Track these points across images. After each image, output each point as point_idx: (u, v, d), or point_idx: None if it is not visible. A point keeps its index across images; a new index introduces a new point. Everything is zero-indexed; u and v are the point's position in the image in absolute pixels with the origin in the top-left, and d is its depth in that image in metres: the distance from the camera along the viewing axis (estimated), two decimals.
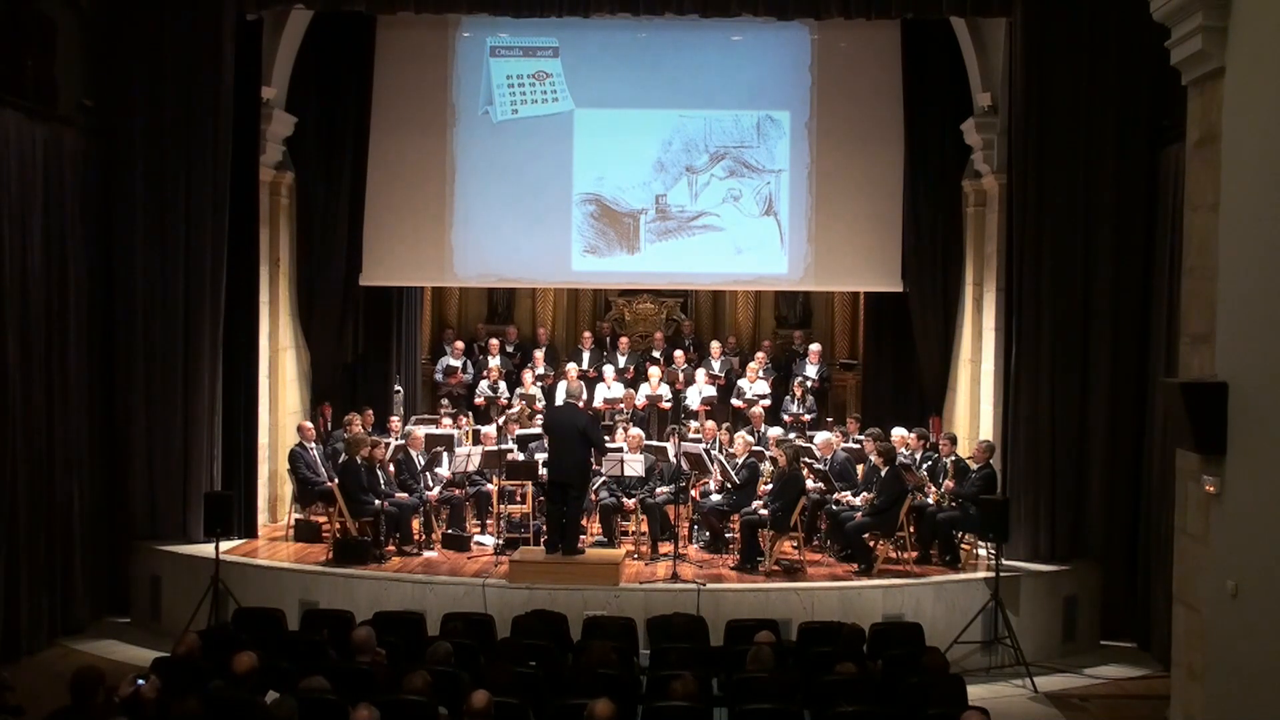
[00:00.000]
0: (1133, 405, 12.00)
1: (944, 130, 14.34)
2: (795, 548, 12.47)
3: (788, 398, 15.79)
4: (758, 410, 14.95)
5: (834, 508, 12.61)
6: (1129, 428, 12.02)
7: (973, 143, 13.87)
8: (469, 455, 13.10)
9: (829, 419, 15.93)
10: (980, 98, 13.52)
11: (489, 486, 13.33)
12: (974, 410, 13.92)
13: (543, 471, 12.27)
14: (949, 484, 12.50)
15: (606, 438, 13.82)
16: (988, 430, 13.31)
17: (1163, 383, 9.82)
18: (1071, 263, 11.99)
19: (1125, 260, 11.93)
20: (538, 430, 13.29)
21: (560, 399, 14.73)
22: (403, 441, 13.48)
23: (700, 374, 16.18)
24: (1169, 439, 10.06)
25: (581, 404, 15.10)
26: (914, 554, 12.21)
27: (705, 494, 13.13)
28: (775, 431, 14.09)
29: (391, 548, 12.48)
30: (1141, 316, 11.95)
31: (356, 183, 14.74)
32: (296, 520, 13.20)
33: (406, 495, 12.79)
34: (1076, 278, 12.00)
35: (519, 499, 13.29)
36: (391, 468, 13.05)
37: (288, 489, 13.69)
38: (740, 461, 12.76)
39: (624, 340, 17.33)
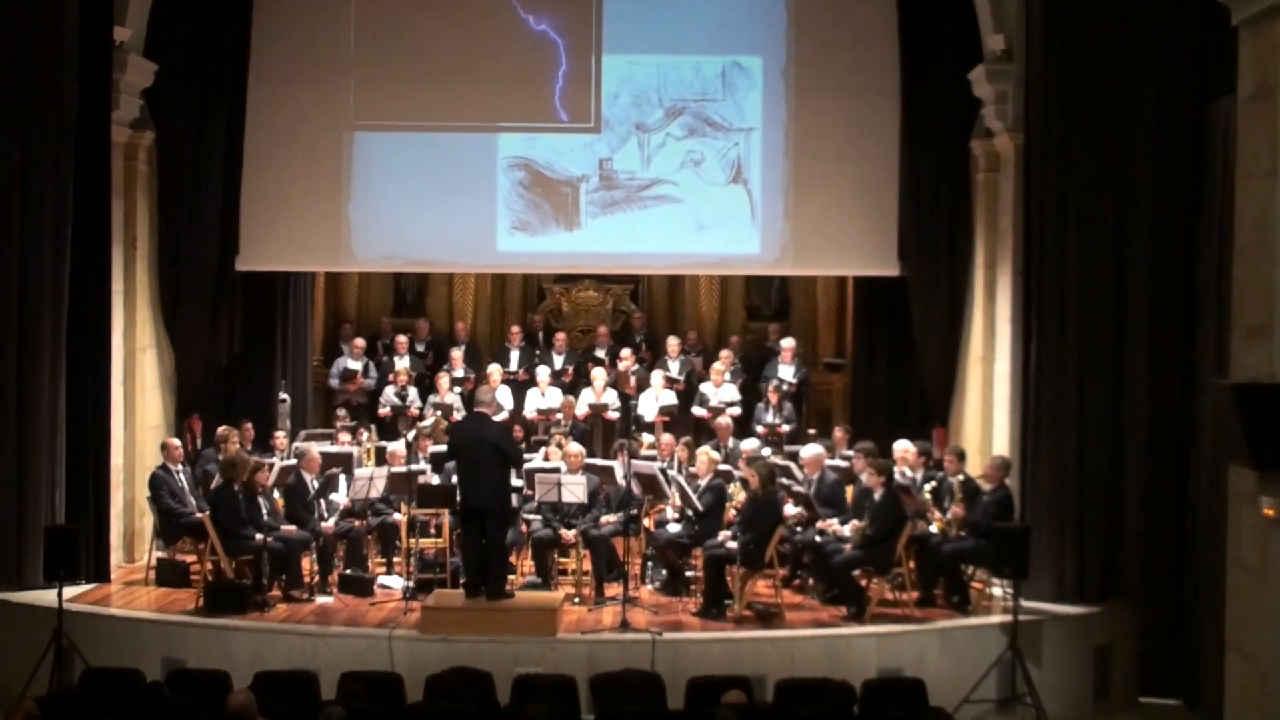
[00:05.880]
0: (1176, 412, 12.09)
1: (949, 80, 14.36)
2: (772, 588, 12.51)
3: (761, 405, 15.82)
4: (724, 420, 14.97)
5: (818, 539, 12.65)
6: (1172, 439, 12.12)
7: (983, 95, 13.92)
8: (371, 478, 13.03)
9: (811, 430, 15.97)
10: (992, 40, 13.58)
11: (396, 516, 13.27)
12: (986, 419, 13.98)
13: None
14: (956, 509, 12.56)
15: (534, 456, 13.81)
16: (1003, 444, 13.38)
17: (1212, 385, 9.90)
18: (1102, 240, 12.08)
19: (1166, 237, 12.03)
20: None
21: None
22: (291, 462, 13.39)
23: (655, 377, 16.18)
24: (1220, 452, 10.15)
25: (505, 414, 15.07)
26: (915, 594, 12.26)
27: (661, 523, 13.12)
28: (751, 444, 14.09)
29: (277, 592, 12.42)
30: (1186, 305, 12.05)
31: (232, 145, 14.62)
32: (159, 560, 13.11)
33: (295, 528, 12.72)
34: (1108, 258, 12.09)
35: (433, 531, 13.23)
36: (276, 494, 12.98)
37: (148, 521, 13.58)
38: (703, 483, 12.76)
39: (561, 336, 17.31)
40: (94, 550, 12.79)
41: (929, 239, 14.74)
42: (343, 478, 13.52)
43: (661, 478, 12.87)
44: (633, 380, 16.20)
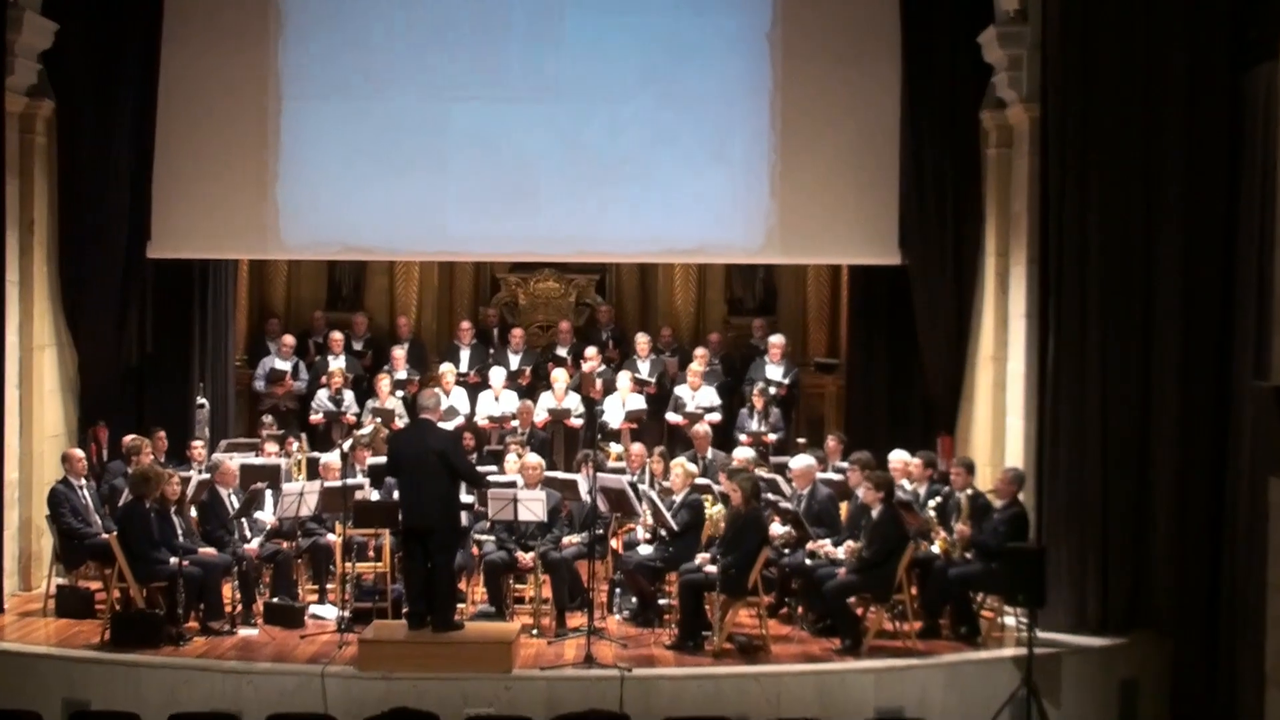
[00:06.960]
0: (1211, 418, 12.12)
1: (956, 44, 14.41)
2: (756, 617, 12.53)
3: (744, 410, 15.84)
4: (702, 428, 14.99)
5: (809, 562, 12.65)
6: (1206, 449, 12.14)
7: (994, 61, 13.95)
8: (301, 494, 12.99)
9: (801, 439, 15.97)
10: (1004, 0, 13.63)
11: (330, 537, 13.25)
12: (998, 427, 14.03)
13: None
14: (964, 528, 12.58)
15: (491, 469, 13.78)
16: (1016, 455, 13.42)
17: (1251, 388, 9.93)
18: (1127, 225, 12.12)
19: (1199, 221, 12.06)
20: None
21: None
22: (209, 476, 13.36)
23: (623, 378, 16.18)
24: (1260, 463, 10.18)
25: (460, 420, 15.04)
26: (917, 624, 12.28)
27: (631, 544, 13.12)
28: (746, 454, 14.05)
29: (194, 624, 12.39)
30: (1222, 299, 12.08)
31: (143, 116, 14.56)
32: (59, 587, 13.09)
33: (214, 550, 12.69)
34: (1134, 245, 12.13)
35: (372, 554, 13.22)
36: (194, 512, 12.95)
37: (47, 543, 13.56)
38: (678, 499, 12.77)
39: (517, 332, 17.30)
40: None
41: (933, 223, 14.73)
42: (269, 493, 13.50)
43: (631, 493, 12.87)
44: (598, 383, 16.18)
